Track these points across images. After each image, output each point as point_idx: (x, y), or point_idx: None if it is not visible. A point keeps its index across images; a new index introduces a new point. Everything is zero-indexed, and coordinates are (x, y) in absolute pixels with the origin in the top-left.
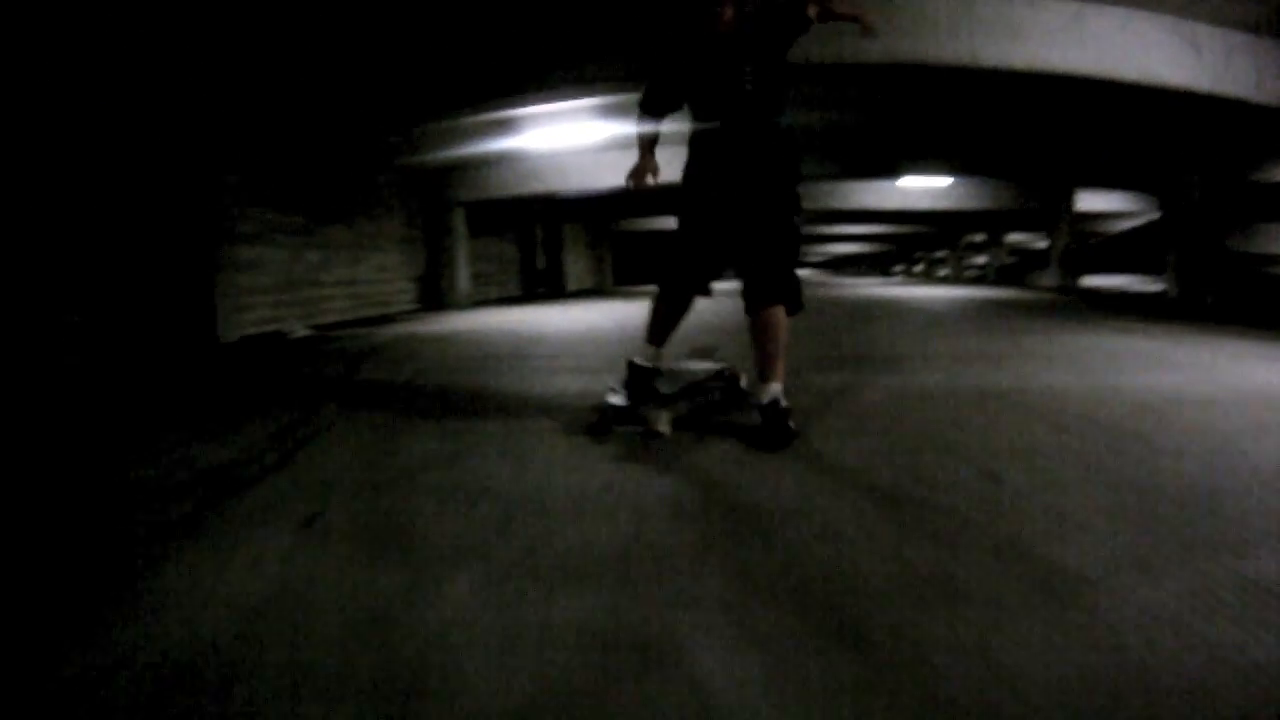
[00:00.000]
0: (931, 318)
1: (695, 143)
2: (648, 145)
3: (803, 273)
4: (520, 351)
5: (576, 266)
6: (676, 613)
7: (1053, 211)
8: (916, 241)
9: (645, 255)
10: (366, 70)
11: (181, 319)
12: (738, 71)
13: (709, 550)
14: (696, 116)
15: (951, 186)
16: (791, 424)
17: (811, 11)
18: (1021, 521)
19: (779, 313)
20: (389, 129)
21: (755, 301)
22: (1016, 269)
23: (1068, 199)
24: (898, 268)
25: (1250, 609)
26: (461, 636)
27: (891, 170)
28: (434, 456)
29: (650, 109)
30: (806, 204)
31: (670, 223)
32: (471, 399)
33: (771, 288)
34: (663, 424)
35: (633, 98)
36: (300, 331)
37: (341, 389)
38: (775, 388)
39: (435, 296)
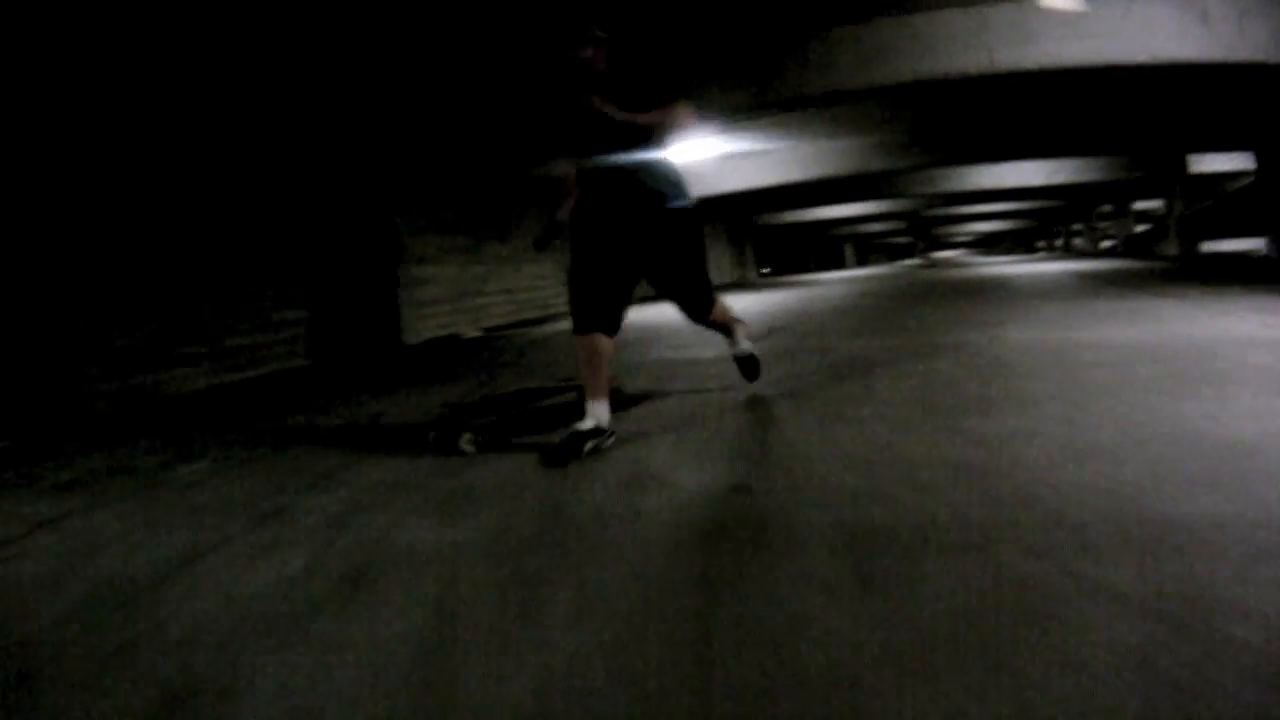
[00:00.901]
0: (1006, 293)
1: (580, 181)
2: (567, 187)
3: (946, 253)
4: (644, 338)
5: (720, 261)
6: (645, 423)
7: (1166, 178)
8: (1053, 215)
9: (788, 246)
10: (510, 120)
11: (373, 329)
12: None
13: (683, 406)
14: (579, 155)
15: (1063, 161)
16: (757, 362)
17: (646, 119)
18: (852, 399)
19: (712, 311)
20: (533, 162)
21: (691, 319)
22: (1148, 238)
23: (1180, 164)
24: (1040, 243)
25: (938, 439)
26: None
27: (995, 156)
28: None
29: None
30: (925, 188)
31: (814, 213)
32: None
33: (696, 309)
34: (465, 444)
35: (746, 122)
36: (472, 333)
37: (514, 364)
38: (740, 343)
39: None
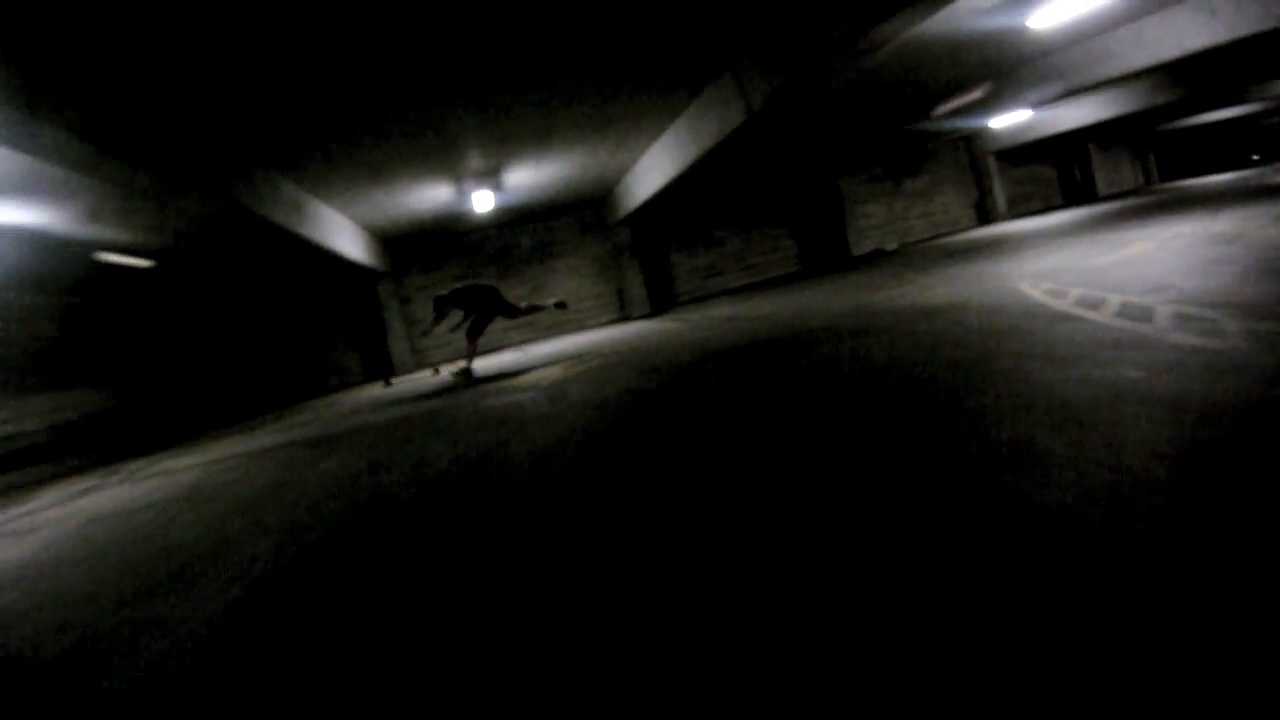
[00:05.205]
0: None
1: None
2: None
3: None
4: (1001, 243)
5: (1113, 174)
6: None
7: None
8: None
9: (1196, 150)
10: (902, 88)
11: (832, 247)
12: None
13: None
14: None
15: None
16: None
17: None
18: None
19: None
20: (916, 117)
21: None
22: None
23: None
24: None
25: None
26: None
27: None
28: (909, 268)
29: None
30: (1266, 93)
31: (1216, 115)
32: (948, 257)
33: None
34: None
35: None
36: (891, 246)
37: (906, 259)
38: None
39: (984, 214)
